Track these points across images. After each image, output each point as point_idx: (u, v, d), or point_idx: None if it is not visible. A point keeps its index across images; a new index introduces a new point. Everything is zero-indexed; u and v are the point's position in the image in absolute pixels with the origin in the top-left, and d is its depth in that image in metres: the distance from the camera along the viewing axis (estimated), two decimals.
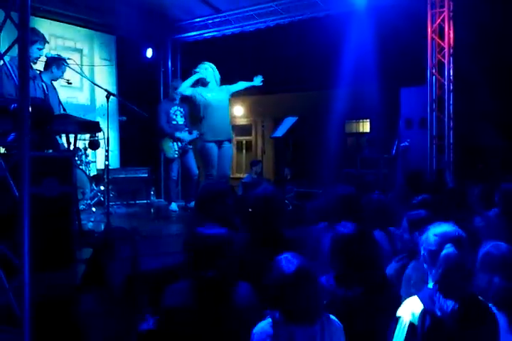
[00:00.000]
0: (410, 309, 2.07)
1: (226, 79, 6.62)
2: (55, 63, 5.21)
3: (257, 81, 6.48)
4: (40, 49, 4.84)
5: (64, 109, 5.30)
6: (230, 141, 6.57)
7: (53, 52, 5.57)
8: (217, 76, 6.42)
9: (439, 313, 2.02)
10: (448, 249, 2.11)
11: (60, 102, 5.26)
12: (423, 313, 2.03)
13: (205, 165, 6.41)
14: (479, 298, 2.15)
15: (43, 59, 5.23)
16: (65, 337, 2.31)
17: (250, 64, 8.97)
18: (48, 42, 5.17)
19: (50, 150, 4.15)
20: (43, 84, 5.07)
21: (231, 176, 12.90)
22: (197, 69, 6.35)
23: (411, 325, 2.03)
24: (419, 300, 2.08)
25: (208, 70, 6.35)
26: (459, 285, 2.08)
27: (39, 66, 5.37)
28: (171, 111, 6.99)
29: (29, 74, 2.60)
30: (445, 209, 3.52)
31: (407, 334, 2.02)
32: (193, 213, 4.77)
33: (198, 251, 2.45)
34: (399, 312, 2.10)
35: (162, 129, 6.89)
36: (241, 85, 6.58)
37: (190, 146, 7.01)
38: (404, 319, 2.06)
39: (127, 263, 2.48)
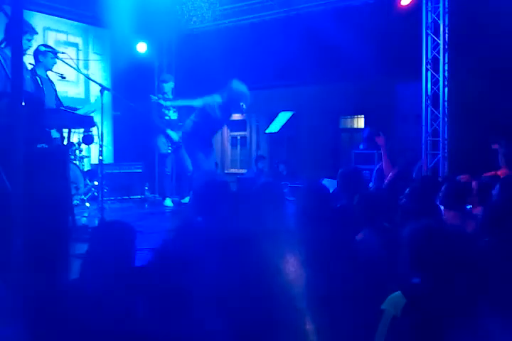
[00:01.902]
0: (394, 303, 2.13)
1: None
2: (40, 53, 5.15)
3: None
4: (29, 40, 4.74)
5: (61, 103, 5.27)
6: None
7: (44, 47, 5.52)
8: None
9: (422, 307, 2.05)
10: (428, 242, 2.15)
11: (56, 96, 5.22)
12: (405, 307, 2.08)
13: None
14: (464, 293, 2.15)
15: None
16: (62, 333, 2.30)
17: (245, 58, 8.94)
18: (37, 33, 5.09)
19: (44, 145, 4.12)
20: (37, 77, 5.02)
21: (226, 172, 12.89)
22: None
23: (394, 317, 2.09)
24: (402, 295, 2.13)
25: None
26: (440, 279, 2.10)
27: (30, 60, 5.32)
28: (163, 106, 6.95)
29: (22, 68, 2.57)
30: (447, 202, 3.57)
31: (389, 326, 2.09)
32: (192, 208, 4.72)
33: None
34: (383, 305, 2.16)
35: (154, 125, 6.85)
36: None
37: None
38: (388, 312, 2.12)
39: (123, 258, 2.46)
